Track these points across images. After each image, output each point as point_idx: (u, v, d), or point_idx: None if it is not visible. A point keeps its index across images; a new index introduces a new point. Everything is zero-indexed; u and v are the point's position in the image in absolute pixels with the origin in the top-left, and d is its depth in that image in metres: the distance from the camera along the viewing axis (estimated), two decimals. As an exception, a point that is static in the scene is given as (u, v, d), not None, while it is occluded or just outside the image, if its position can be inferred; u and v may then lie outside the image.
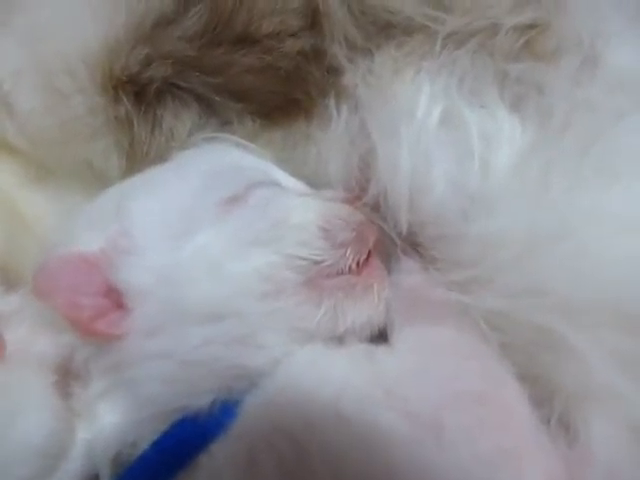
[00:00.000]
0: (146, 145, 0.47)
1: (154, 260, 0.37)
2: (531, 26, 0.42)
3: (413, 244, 0.43)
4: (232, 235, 0.38)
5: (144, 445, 0.35)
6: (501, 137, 0.41)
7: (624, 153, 0.39)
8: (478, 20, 0.42)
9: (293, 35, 0.44)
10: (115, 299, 0.37)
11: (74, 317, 0.36)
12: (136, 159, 0.47)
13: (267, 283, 0.37)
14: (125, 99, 0.46)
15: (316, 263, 0.38)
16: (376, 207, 0.43)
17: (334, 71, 0.44)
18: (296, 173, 0.44)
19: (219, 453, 0.33)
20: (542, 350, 0.37)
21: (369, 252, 0.40)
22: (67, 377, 0.38)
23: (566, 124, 0.40)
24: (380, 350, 0.37)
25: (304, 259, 0.38)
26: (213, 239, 0.38)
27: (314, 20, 0.44)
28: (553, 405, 0.36)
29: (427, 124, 0.42)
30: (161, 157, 0.46)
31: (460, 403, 0.34)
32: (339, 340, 0.38)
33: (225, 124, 0.47)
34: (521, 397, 0.35)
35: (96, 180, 0.48)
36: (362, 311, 0.38)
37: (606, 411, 0.35)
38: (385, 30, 0.43)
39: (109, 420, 0.37)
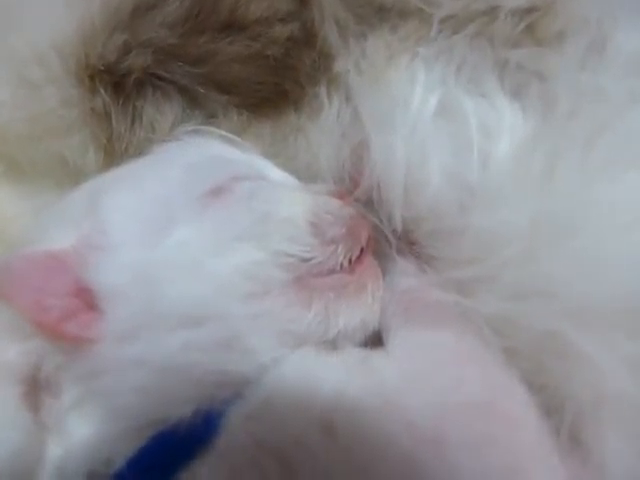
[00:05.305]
0: (125, 139, 0.45)
1: (129, 258, 0.35)
2: (532, 9, 0.41)
3: (409, 242, 0.42)
4: (214, 230, 0.36)
5: (119, 462, 0.33)
6: (502, 127, 0.40)
7: (636, 141, 0.38)
8: (476, 3, 0.41)
9: (282, 20, 0.43)
10: (87, 300, 0.34)
11: (40, 319, 0.34)
12: (114, 154, 0.45)
13: (252, 282, 0.35)
14: (102, 90, 0.44)
15: (305, 260, 0.36)
16: (369, 202, 0.42)
17: (325, 57, 0.43)
18: (285, 167, 0.43)
19: (200, 471, 0.31)
20: (549, 356, 0.35)
21: (362, 249, 0.38)
22: (36, 388, 0.36)
23: (571, 112, 0.39)
24: (376, 355, 0.35)
25: (292, 256, 0.36)
26: (193, 235, 0.36)
27: (303, 2, 0.43)
28: (562, 415, 0.34)
29: (423, 114, 0.41)
30: (141, 152, 0.44)
31: (463, 415, 0.32)
32: (332, 344, 0.36)
33: (210, 117, 0.45)
34: (529, 406, 0.33)
35: (72, 177, 0.46)
36: (355, 312, 0.37)
37: (619, 423, 0.33)
38: (378, 13, 0.42)
39: (81, 435, 0.34)
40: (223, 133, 0.43)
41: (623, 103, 0.38)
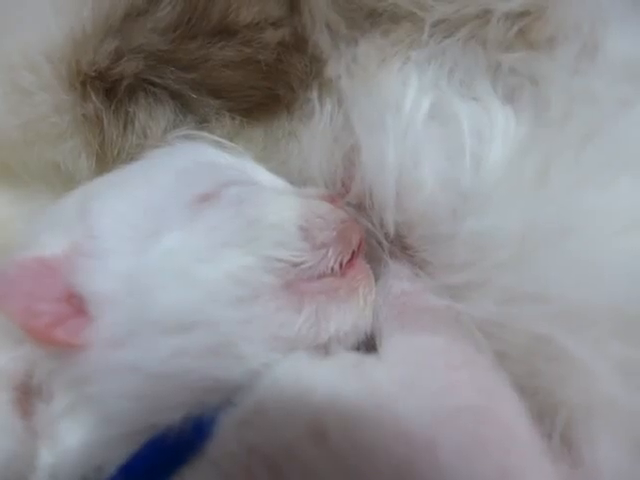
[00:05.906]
0: (117, 145, 0.45)
1: (119, 264, 0.35)
2: (524, 13, 0.41)
3: (402, 247, 0.41)
4: (204, 236, 0.36)
5: (110, 469, 0.33)
6: (494, 131, 0.40)
7: (629, 146, 0.37)
8: (468, 7, 0.41)
9: (273, 24, 0.42)
10: (77, 306, 0.34)
11: (30, 325, 0.33)
12: (107, 160, 0.45)
13: (242, 287, 0.34)
14: (94, 96, 0.44)
15: (295, 265, 0.36)
16: (361, 206, 0.42)
17: (317, 61, 0.43)
18: (277, 171, 0.42)
19: (192, 478, 0.31)
20: (541, 360, 0.35)
21: (353, 253, 0.38)
22: (28, 394, 0.36)
23: (564, 116, 0.39)
24: (369, 360, 0.35)
25: (282, 261, 0.35)
26: (183, 240, 0.35)
27: (294, 7, 0.42)
28: (555, 419, 0.34)
29: (415, 117, 0.40)
30: (133, 158, 0.44)
31: (455, 419, 0.32)
32: (324, 349, 0.35)
33: (202, 122, 0.45)
34: (520, 411, 0.33)
35: (64, 183, 0.45)
36: (347, 316, 0.36)
37: (612, 427, 0.33)
38: (369, 18, 0.42)
39: (73, 441, 0.34)
40: (215, 138, 0.43)
41: (615, 107, 0.38)
